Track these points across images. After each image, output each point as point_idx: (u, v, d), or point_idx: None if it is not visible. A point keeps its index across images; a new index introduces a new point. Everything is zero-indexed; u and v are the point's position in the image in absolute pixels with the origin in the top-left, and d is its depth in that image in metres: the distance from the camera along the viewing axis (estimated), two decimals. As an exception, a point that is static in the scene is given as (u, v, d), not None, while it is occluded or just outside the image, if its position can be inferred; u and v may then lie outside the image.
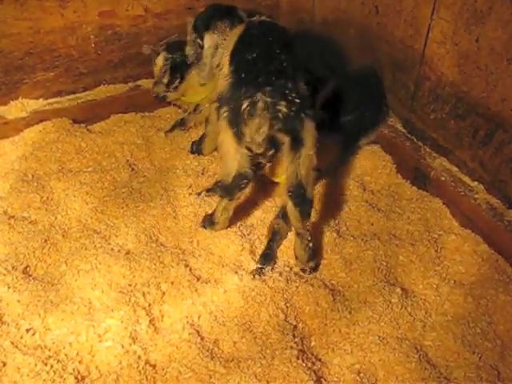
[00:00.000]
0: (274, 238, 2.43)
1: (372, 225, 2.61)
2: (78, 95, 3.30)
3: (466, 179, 2.65)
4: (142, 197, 2.70)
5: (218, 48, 2.68)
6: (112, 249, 2.38)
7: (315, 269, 2.35)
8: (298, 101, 2.12)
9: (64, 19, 3.07)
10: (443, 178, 2.68)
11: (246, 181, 2.24)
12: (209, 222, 2.49)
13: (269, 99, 2.07)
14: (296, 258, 2.36)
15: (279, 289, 2.20)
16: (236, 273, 2.27)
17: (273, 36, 2.31)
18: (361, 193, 2.80)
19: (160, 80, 3.16)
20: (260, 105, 2.06)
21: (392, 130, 3.03)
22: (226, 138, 2.20)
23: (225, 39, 2.63)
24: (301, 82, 2.21)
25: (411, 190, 2.83)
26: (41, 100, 3.21)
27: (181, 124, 3.24)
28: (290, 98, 2.10)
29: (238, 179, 2.23)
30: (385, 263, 2.38)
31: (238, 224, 2.56)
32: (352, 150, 3.04)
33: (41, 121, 3.12)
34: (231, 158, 2.21)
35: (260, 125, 2.08)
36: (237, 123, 2.13)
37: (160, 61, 3.12)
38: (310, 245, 2.30)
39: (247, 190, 2.36)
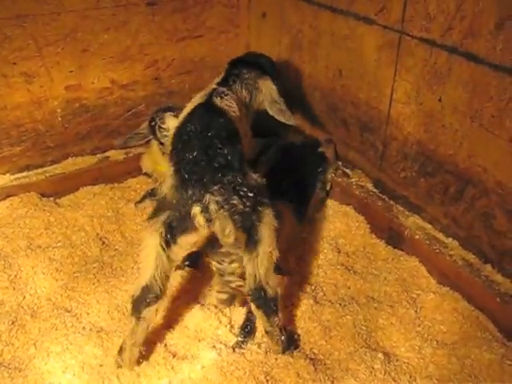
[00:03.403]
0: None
1: (349, 288, 2.57)
2: (45, 169, 3.25)
3: (440, 236, 2.66)
4: (113, 271, 2.64)
5: None
6: (84, 327, 2.31)
7: (296, 348, 2.24)
8: (251, 194, 1.97)
9: (30, 94, 3.06)
10: (417, 236, 2.68)
11: (153, 296, 2.02)
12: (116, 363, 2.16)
13: (219, 198, 1.92)
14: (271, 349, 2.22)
15: (258, 362, 2.13)
16: (213, 347, 2.20)
17: (213, 128, 2.07)
18: (336, 256, 2.78)
19: None
20: (213, 207, 1.91)
21: (363, 190, 3.03)
22: (152, 243, 2.00)
23: None
24: (251, 173, 2.07)
25: (386, 250, 2.81)
26: (8, 175, 3.16)
27: (151, 194, 3.20)
28: (241, 192, 1.95)
29: (146, 292, 2.02)
30: (364, 328, 2.33)
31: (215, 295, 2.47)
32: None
33: (8, 196, 3.06)
34: (148, 265, 2.01)
35: (223, 226, 1.94)
36: (176, 230, 1.98)
37: (170, 122, 2.87)
38: (283, 338, 2.17)
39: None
